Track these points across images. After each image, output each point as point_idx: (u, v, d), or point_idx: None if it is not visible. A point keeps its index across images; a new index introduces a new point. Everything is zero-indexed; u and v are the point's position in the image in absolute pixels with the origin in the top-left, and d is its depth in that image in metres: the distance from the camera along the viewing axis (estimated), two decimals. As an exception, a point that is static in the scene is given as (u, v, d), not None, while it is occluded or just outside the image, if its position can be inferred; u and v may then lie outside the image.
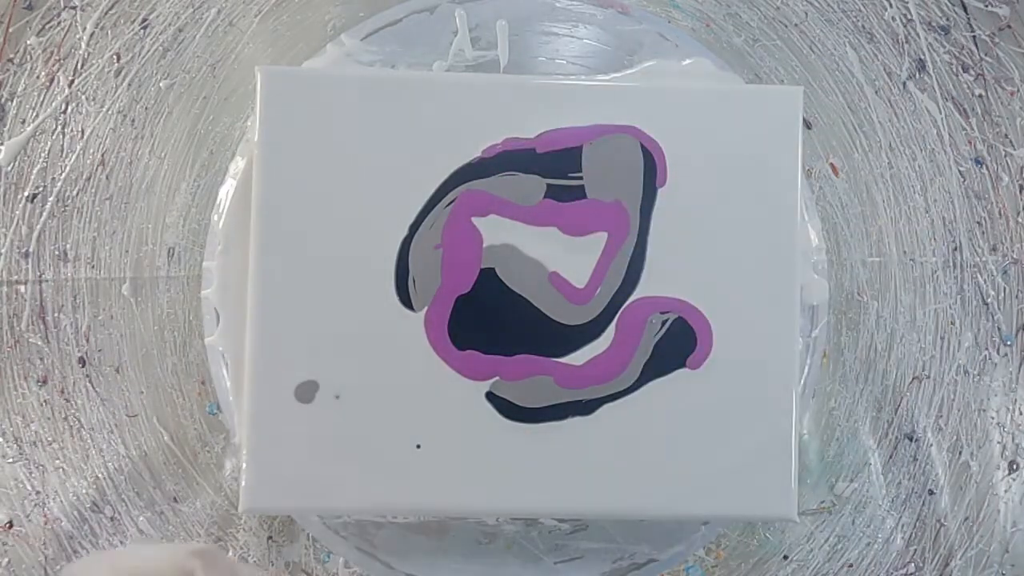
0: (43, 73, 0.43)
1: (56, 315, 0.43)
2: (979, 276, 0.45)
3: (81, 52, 0.43)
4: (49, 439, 0.43)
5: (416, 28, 0.44)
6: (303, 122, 0.39)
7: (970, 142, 0.45)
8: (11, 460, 0.43)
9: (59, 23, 0.43)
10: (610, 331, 0.40)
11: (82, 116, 0.43)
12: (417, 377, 0.39)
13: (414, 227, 0.40)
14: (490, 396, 0.39)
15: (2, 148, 0.43)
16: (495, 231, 0.39)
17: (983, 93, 0.45)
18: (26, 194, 0.43)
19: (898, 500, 0.44)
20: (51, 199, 0.43)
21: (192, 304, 0.43)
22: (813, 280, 0.45)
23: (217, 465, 0.43)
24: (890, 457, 0.45)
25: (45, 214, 0.43)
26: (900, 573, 0.44)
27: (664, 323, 0.40)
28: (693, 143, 0.39)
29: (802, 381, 0.44)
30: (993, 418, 0.44)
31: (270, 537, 0.43)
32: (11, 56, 0.43)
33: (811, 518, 0.44)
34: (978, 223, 0.45)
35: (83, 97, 0.43)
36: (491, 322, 0.40)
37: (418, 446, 0.39)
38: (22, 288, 0.43)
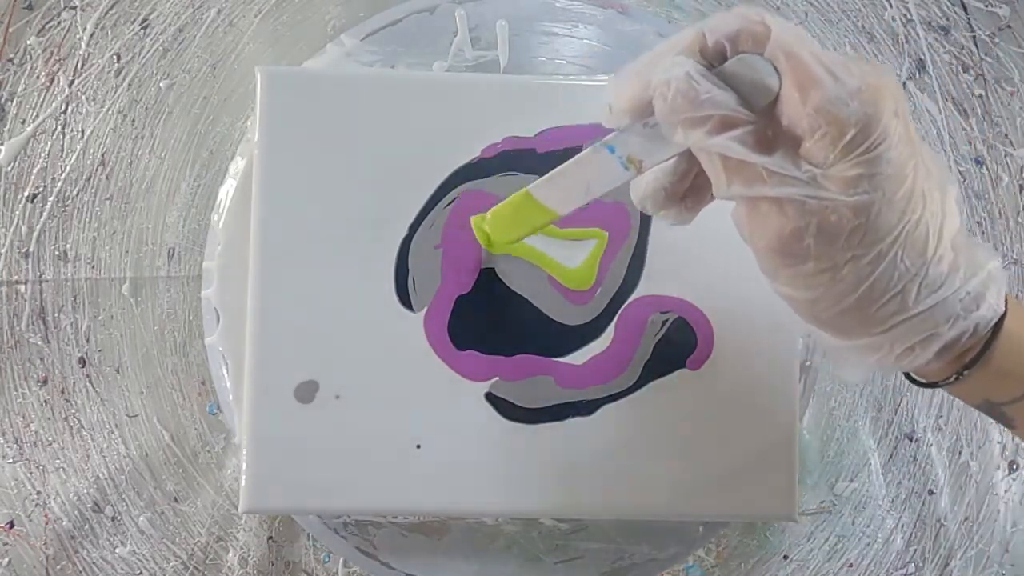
0: (43, 73, 0.43)
1: (56, 315, 0.43)
2: (979, 276, 0.44)
3: (81, 52, 0.43)
4: (49, 439, 0.43)
5: (416, 28, 0.44)
6: (303, 122, 0.39)
7: (970, 142, 0.45)
8: (11, 460, 0.43)
9: (59, 23, 0.43)
10: (610, 331, 0.40)
11: (82, 116, 0.43)
12: (417, 377, 0.39)
13: (414, 227, 0.40)
14: (490, 396, 0.39)
15: (2, 148, 0.43)
16: (495, 231, 0.39)
17: (983, 93, 0.45)
18: (26, 194, 0.43)
19: (898, 500, 0.44)
20: (51, 199, 0.43)
21: (192, 304, 0.43)
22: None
23: (217, 465, 0.43)
24: (890, 457, 0.45)
25: (45, 214, 0.43)
26: (900, 573, 0.44)
27: (664, 323, 0.40)
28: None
29: (802, 381, 0.44)
30: (993, 418, 0.44)
31: (270, 537, 0.43)
32: (11, 56, 0.43)
33: (811, 518, 0.44)
34: (978, 223, 0.45)
35: (83, 97, 0.43)
36: (491, 322, 0.40)
37: (418, 446, 0.39)
38: (22, 288, 0.43)
